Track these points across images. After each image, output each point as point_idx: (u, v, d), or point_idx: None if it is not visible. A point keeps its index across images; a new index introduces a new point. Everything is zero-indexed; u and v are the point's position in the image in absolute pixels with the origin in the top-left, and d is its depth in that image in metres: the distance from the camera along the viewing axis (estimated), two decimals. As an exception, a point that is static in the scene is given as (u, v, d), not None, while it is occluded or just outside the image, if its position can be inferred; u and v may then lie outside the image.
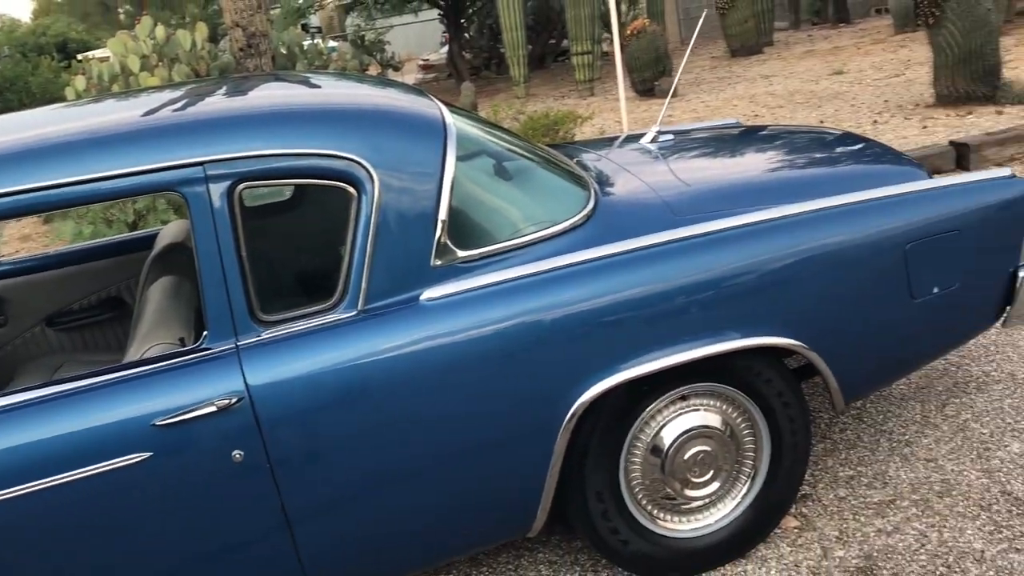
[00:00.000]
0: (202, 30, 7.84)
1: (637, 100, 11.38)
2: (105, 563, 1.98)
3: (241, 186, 2.04)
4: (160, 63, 7.45)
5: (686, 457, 2.40)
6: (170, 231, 3.03)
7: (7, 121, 2.31)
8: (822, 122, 7.91)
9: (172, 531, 2.00)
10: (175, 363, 2.00)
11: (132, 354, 2.14)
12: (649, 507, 2.44)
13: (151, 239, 3.23)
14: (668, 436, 2.38)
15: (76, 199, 1.97)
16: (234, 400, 1.96)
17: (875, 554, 2.49)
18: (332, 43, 19.24)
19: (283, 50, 9.42)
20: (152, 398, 1.95)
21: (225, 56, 8.01)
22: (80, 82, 7.48)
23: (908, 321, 2.54)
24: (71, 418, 1.93)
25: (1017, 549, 2.43)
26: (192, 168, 2.00)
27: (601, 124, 9.38)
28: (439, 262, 2.17)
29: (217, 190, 2.01)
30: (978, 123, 6.89)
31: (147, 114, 2.18)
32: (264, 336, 2.05)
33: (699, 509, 2.49)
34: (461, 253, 2.19)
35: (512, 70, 13.77)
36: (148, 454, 1.92)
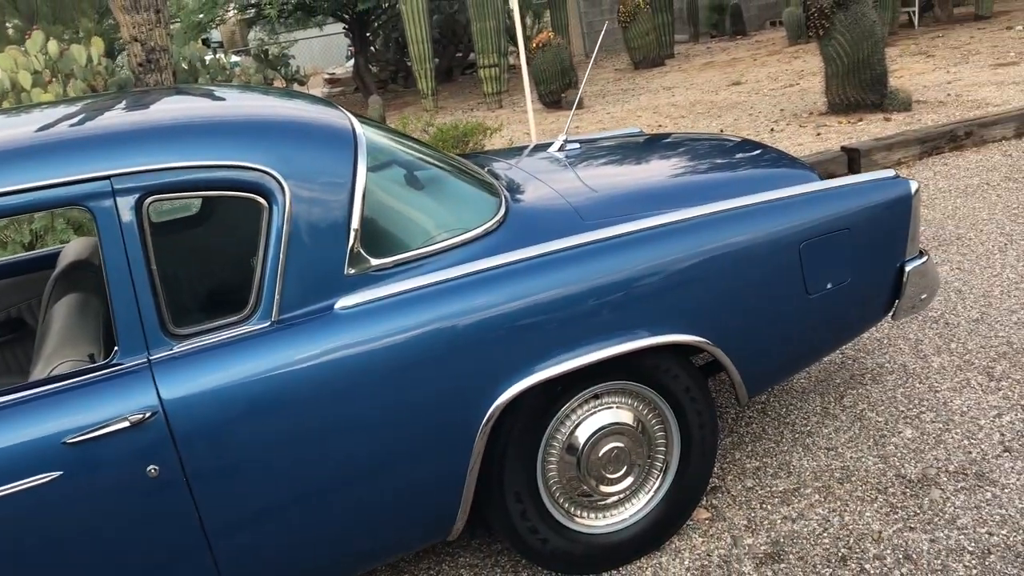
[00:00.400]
0: (98, 44, 7.63)
1: (544, 112, 11.55)
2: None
3: (149, 200, 2.02)
4: (54, 79, 7.22)
5: (600, 454, 2.47)
6: (72, 249, 2.96)
7: None
8: (722, 131, 8.19)
9: (88, 550, 1.95)
10: (85, 379, 1.96)
11: (39, 372, 2.08)
12: (566, 505, 2.50)
13: (53, 258, 3.15)
14: (583, 434, 2.45)
15: None
16: (148, 415, 1.94)
17: (782, 540, 2.61)
18: (235, 57, 18.92)
19: (184, 65, 9.23)
20: (62, 416, 1.91)
21: (123, 72, 7.81)
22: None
23: (805, 316, 2.68)
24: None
25: (911, 528, 2.58)
26: (99, 182, 1.97)
27: (510, 135, 9.49)
28: (353, 271, 2.19)
29: (125, 204, 1.99)
30: (868, 129, 7.25)
31: (45, 128, 2.14)
32: (177, 349, 2.03)
33: (614, 505, 2.56)
34: (375, 261, 2.22)
35: (420, 83, 13.79)
36: (58, 473, 1.88)
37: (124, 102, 2.43)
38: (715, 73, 12.75)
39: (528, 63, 8.74)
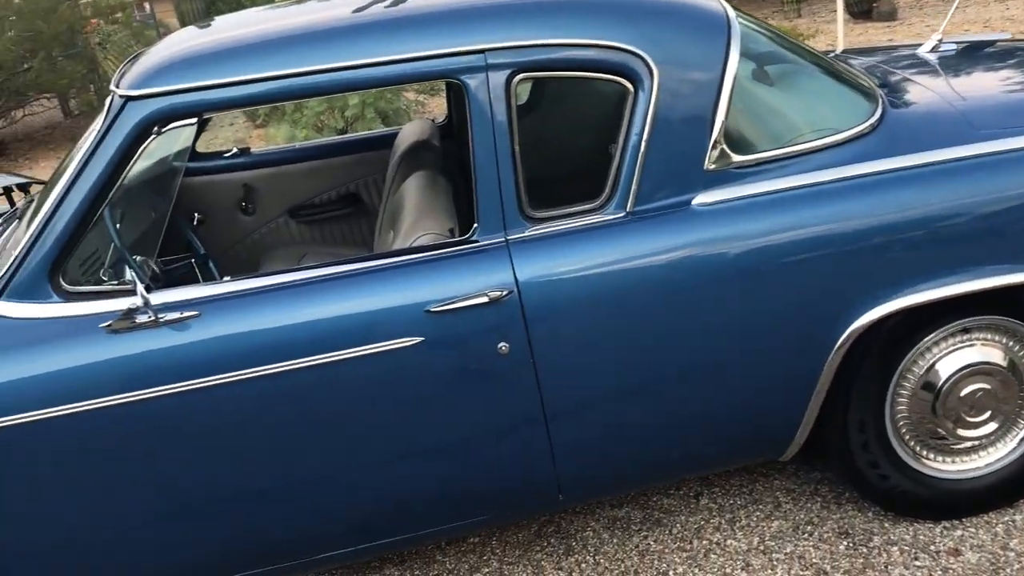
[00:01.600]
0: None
1: (851, 23, 10.60)
2: (369, 445, 2.04)
3: (519, 76, 1.99)
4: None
5: (962, 394, 2.21)
6: (412, 130, 3.04)
7: (258, 15, 2.34)
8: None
9: (435, 417, 2.02)
10: (447, 253, 2.00)
11: (400, 243, 2.15)
12: (912, 443, 2.27)
13: (388, 139, 3.27)
14: (944, 371, 2.19)
15: (355, 83, 1.98)
16: (504, 293, 1.94)
17: None
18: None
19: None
20: (425, 285, 1.96)
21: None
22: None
23: None
24: (345, 299, 1.97)
25: None
26: (473, 56, 1.96)
27: (813, 47, 8.80)
28: (713, 166, 2.05)
29: (496, 79, 1.97)
30: None
31: (410, 3, 2.16)
32: (531, 232, 2.01)
33: (969, 451, 2.30)
34: (736, 157, 2.06)
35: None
36: (420, 339, 1.94)
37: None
38: (1060, -16, 11.06)
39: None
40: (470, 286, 1.95)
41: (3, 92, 9.12)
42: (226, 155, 3.28)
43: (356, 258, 2.01)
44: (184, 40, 2.20)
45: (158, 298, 1.92)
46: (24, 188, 3.09)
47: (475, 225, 2.00)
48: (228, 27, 2.30)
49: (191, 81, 1.92)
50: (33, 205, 2.19)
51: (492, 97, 1.97)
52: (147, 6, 15.79)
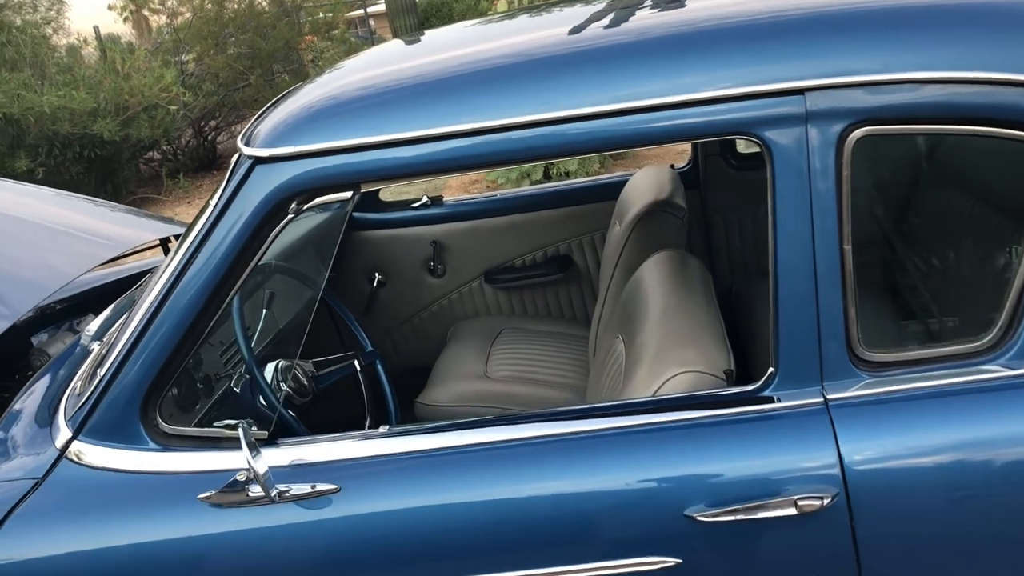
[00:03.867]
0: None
1: None
2: None
3: (859, 132, 1.20)
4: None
5: None
6: (646, 182, 2.29)
7: (475, 32, 1.67)
8: None
9: None
10: (721, 416, 1.24)
11: (644, 379, 1.40)
12: None
13: (611, 189, 2.53)
14: None
15: (576, 142, 1.25)
16: (825, 498, 1.16)
17: None
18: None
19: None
20: (683, 467, 1.21)
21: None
22: (503, 4, 7.14)
23: None
24: (551, 478, 1.26)
25: None
26: (785, 98, 1.19)
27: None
28: None
29: (821, 136, 1.19)
30: None
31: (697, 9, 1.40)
32: (868, 389, 1.21)
33: None
34: None
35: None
36: (676, 561, 1.19)
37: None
38: None
39: None
40: (762, 481, 1.18)
41: (224, 107, 9.23)
42: (414, 205, 2.68)
43: (569, 412, 1.29)
44: (358, 72, 1.52)
45: (280, 455, 1.29)
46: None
47: (771, 370, 1.23)
48: (436, 47, 1.64)
49: (345, 137, 1.27)
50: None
51: (812, 166, 1.19)
52: (371, 23, 16.01)
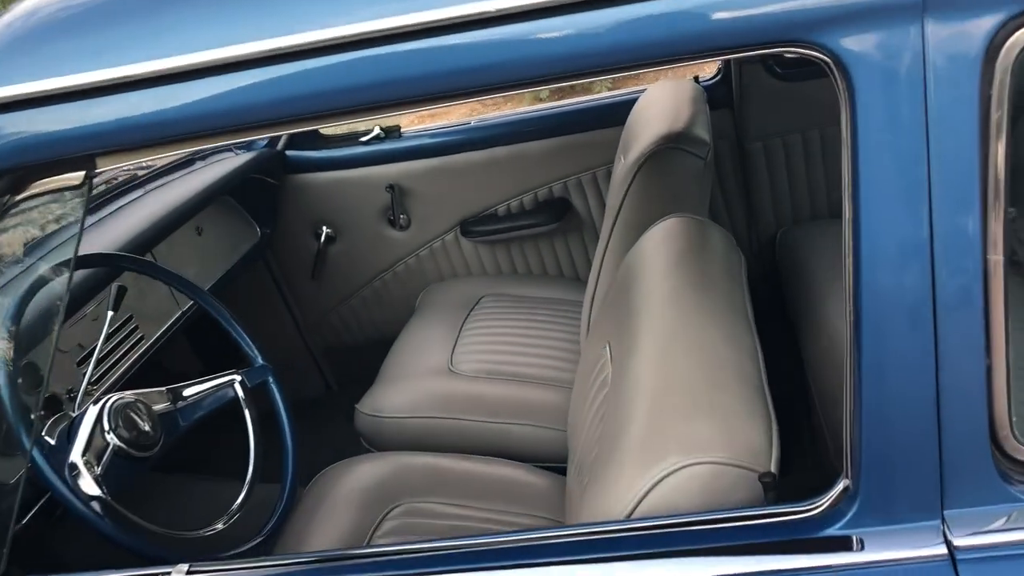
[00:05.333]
0: None
1: None
2: None
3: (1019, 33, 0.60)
4: None
5: None
6: (660, 104, 1.69)
7: None
8: None
9: None
10: (759, 542, 0.68)
11: (626, 463, 0.84)
12: None
13: (617, 111, 1.93)
14: None
15: None
16: None
17: None
18: None
19: None
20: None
21: None
22: None
23: None
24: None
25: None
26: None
27: None
28: None
29: (952, 40, 0.60)
30: None
31: None
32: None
33: None
34: None
35: None
36: None
37: None
38: None
39: None
40: None
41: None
42: (363, 139, 2.11)
43: (539, 535, 0.76)
44: None
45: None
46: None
47: (844, 484, 0.67)
48: None
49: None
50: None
51: (931, 99, 0.61)
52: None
